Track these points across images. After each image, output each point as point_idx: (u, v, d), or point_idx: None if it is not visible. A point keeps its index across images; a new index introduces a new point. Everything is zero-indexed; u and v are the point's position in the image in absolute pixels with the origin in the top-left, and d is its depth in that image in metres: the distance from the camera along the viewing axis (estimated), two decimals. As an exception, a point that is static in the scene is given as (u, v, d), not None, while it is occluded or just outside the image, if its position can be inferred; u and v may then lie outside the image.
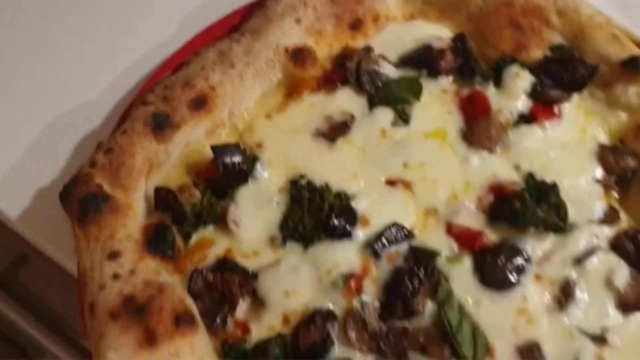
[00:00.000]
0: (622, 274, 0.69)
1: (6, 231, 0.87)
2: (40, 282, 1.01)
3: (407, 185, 0.73)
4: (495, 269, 0.69)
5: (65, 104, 0.82)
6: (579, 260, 0.69)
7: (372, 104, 0.77)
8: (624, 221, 0.73)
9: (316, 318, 0.65)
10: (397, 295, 0.66)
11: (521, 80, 0.76)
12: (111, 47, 0.86)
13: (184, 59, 0.78)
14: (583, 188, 0.73)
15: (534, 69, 0.78)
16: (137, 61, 0.84)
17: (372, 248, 0.69)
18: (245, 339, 0.67)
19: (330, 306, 0.67)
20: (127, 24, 0.88)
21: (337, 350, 0.65)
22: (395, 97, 0.77)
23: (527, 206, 0.70)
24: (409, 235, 0.70)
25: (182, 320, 0.62)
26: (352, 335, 0.66)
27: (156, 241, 0.67)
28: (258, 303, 0.67)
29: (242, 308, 0.68)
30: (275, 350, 0.64)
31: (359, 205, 0.72)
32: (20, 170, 0.80)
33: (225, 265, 0.68)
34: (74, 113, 0.82)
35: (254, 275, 0.68)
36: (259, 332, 0.66)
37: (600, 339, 0.66)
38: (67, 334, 1.02)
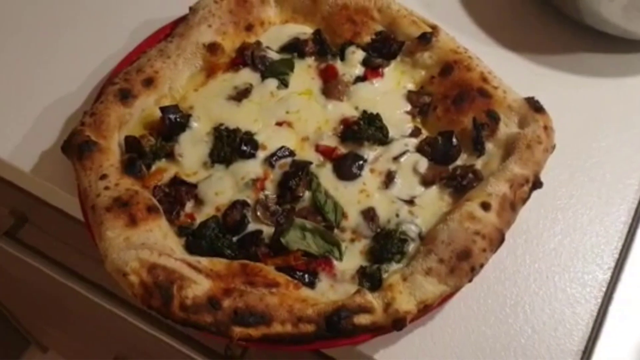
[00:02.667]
0: (423, 164, 0.96)
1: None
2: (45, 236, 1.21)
3: (289, 124, 1.01)
4: (345, 168, 0.96)
5: (54, 93, 1.09)
6: (396, 158, 0.97)
7: (263, 77, 1.04)
8: (424, 134, 1.00)
9: (237, 205, 0.93)
10: (286, 188, 0.94)
11: (356, 55, 1.06)
12: (83, 55, 1.14)
13: (136, 56, 1.05)
14: (398, 117, 1.01)
15: (365, 47, 1.06)
16: (102, 62, 1.11)
17: (269, 162, 0.97)
18: (193, 223, 0.93)
19: (245, 198, 0.94)
20: (93, 38, 1.17)
21: (251, 225, 0.93)
22: (278, 71, 1.04)
23: (361, 129, 0.97)
24: (292, 153, 0.98)
25: (152, 210, 0.90)
26: (260, 215, 0.93)
27: (129, 167, 0.93)
28: (199, 202, 0.94)
29: (189, 206, 0.94)
30: (212, 225, 0.90)
31: (259, 138, 0.99)
32: (27, 140, 1.05)
33: (175, 181, 0.95)
34: (62, 99, 1.09)
35: (195, 186, 0.94)
36: (201, 218, 0.93)
37: (410, 202, 0.93)
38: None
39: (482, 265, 0.86)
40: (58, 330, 1.73)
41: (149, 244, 0.86)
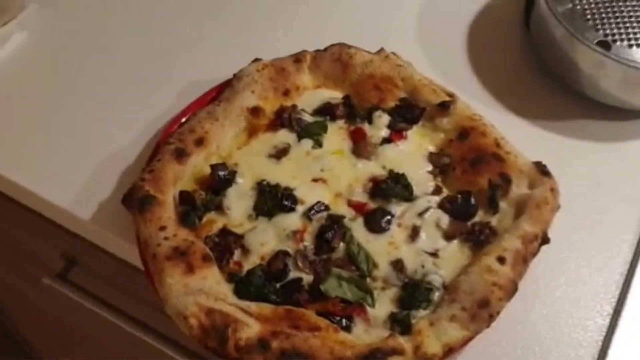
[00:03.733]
0: (445, 220, 1.03)
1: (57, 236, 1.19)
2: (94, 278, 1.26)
3: (324, 181, 1.07)
4: (375, 222, 1.02)
5: (109, 148, 1.17)
6: (420, 214, 1.02)
7: (299, 137, 1.11)
8: (445, 192, 1.06)
9: (279, 255, 0.99)
10: (323, 240, 1.00)
11: (382, 119, 1.13)
12: (136, 112, 1.22)
13: (184, 116, 1.14)
14: (420, 176, 1.08)
15: (390, 112, 1.13)
16: (153, 120, 1.18)
17: (307, 215, 1.02)
18: (241, 270, 0.98)
19: (287, 249, 1.00)
20: (144, 97, 1.25)
21: (292, 273, 0.99)
22: (312, 132, 1.12)
23: (389, 186, 1.04)
24: (327, 207, 1.03)
25: (207, 258, 0.95)
26: (300, 264, 0.98)
27: (185, 219, 1.01)
28: (245, 251, 1.00)
29: (236, 254, 1.00)
30: (258, 272, 0.96)
31: (298, 194, 1.05)
32: (85, 191, 1.13)
33: (224, 232, 1.01)
34: (116, 153, 1.16)
35: (241, 236, 1.00)
36: (248, 266, 0.99)
37: (434, 255, 0.99)
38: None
39: (498, 313, 0.94)
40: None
41: (205, 290, 0.96)
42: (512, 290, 0.94)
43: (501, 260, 0.98)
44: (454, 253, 1.03)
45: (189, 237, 0.99)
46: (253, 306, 0.93)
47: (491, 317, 0.93)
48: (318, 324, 0.92)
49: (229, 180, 1.08)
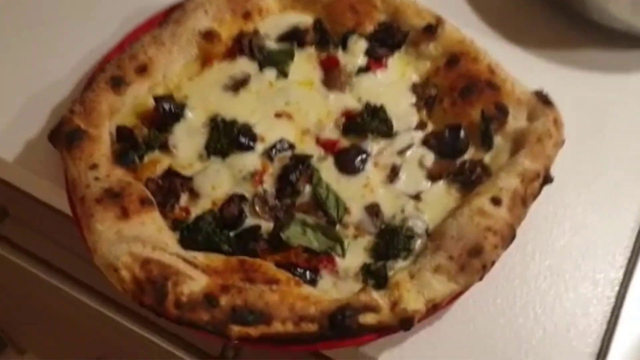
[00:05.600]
0: (429, 158, 0.93)
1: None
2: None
3: (289, 116, 0.97)
4: (348, 162, 0.93)
5: (41, 81, 1.04)
6: (400, 152, 0.93)
7: (261, 67, 1.01)
8: (430, 128, 0.97)
9: (234, 199, 0.88)
10: (286, 182, 0.90)
11: (359, 45, 1.02)
12: (72, 42, 1.11)
13: (128, 43, 1.01)
14: (402, 109, 0.98)
15: (368, 37, 1.02)
16: (92, 49, 1.06)
17: (268, 154, 0.93)
18: (188, 217, 0.88)
19: (243, 192, 0.90)
20: (83, 24, 1.13)
21: (249, 220, 0.89)
22: (276, 61, 1.00)
23: (365, 121, 0.94)
24: (291, 146, 0.94)
25: (145, 202, 0.86)
26: (258, 209, 0.88)
27: (122, 158, 0.90)
28: (194, 195, 0.90)
29: (183, 199, 0.89)
30: (209, 219, 0.86)
31: (258, 130, 0.95)
32: (11, 129, 1.00)
33: (169, 173, 0.91)
34: (49, 87, 1.03)
35: (190, 179, 0.90)
36: (196, 212, 0.89)
37: (416, 197, 0.90)
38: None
39: (493, 263, 0.82)
40: (37, 331, 1.66)
41: (142, 238, 0.81)
42: (509, 236, 0.85)
43: (496, 201, 0.87)
44: (440, 195, 0.93)
45: (125, 178, 0.89)
46: (200, 257, 0.81)
47: (484, 268, 0.83)
48: (277, 276, 0.83)
49: (177, 114, 0.96)
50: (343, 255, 0.87)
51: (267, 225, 0.89)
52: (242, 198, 0.91)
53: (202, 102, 0.98)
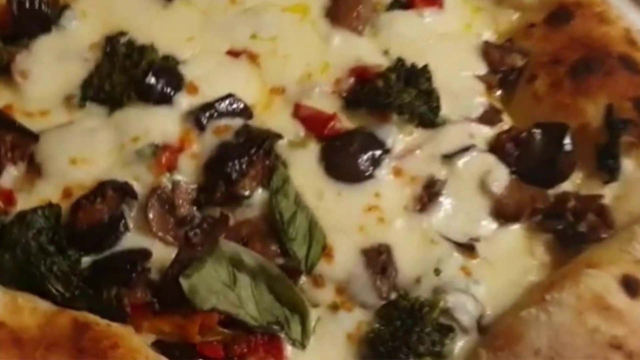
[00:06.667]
0: (500, 176, 0.59)
1: None
2: None
3: (253, 57, 0.68)
4: (345, 158, 0.61)
5: None
6: (449, 157, 0.60)
7: None
8: (506, 122, 0.63)
9: (106, 190, 0.54)
10: (220, 175, 0.57)
11: None
12: None
13: None
14: (461, 82, 0.68)
15: None
16: None
17: (197, 118, 0.60)
18: (7, 211, 0.52)
19: (131, 181, 0.54)
20: None
21: (130, 237, 0.53)
22: None
23: (390, 86, 0.61)
24: (247, 111, 0.61)
25: None
26: (154, 218, 0.53)
27: None
28: (34, 170, 0.60)
29: (11, 174, 0.55)
30: (39, 221, 0.53)
31: (189, 71, 0.61)
32: None
33: (0, 120, 0.56)
34: None
35: (35, 137, 0.56)
36: (26, 204, 0.53)
37: (467, 249, 0.59)
38: None
39: None
40: None
41: None
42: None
43: (630, 285, 0.51)
44: (513, 251, 0.57)
45: None
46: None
47: None
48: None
49: (47, 18, 0.63)
50: (303, 343, 0.51)
51: (163, 253, 0.54)
52: (125, 191, 0.56)
53: (102, 7, 0.68)
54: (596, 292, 0.52)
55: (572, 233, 0.59)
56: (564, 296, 0.53)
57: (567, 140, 0.62)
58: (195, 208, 0.57)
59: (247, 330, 0.53)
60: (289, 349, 0.53)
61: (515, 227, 0.62)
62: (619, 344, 0.50)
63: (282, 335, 0.53)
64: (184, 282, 0.50)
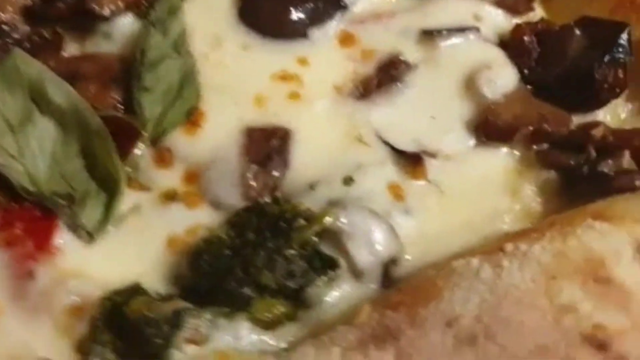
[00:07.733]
0: (502, 78, 0.42)
1: None
2: None
3: None
4: (273, 1, 0.42)
5: None
6: (430, 34, 0.42)
7: None
8: (536, 10, 0.43)
9: None
10: None
11: None
12: None
13: None
14: None
15: None
16: None
17: None
18: None
19: None
20: None
21: None
22: None
23: None
24: None
25: None
26: None
27: None
28: None
29: None
30: None
31: None
32: None
33: None
34: None
35: None
36: None
37: (412, 162, 0.38)
38: None
39: None
40: None
41: None
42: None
43: None
44: (487, 184, 0.40)
45: None
46: None
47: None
48: None
49: None
50: (91, 235, 0.34)
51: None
52: None
53: None
54: (596, 253, 0.31)
55: (587, 173, 0.39)
56: (535, 249, 0.32)
57: (621, 46, 0.39)
58: (23, 19, 0.37)
59: (17, 195, 0.33)
60: (64, 237, 0.33)
61: (502, 151, 0.41)
62: (602, 340, 0.29)
63: (64, 215, 0.33)
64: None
